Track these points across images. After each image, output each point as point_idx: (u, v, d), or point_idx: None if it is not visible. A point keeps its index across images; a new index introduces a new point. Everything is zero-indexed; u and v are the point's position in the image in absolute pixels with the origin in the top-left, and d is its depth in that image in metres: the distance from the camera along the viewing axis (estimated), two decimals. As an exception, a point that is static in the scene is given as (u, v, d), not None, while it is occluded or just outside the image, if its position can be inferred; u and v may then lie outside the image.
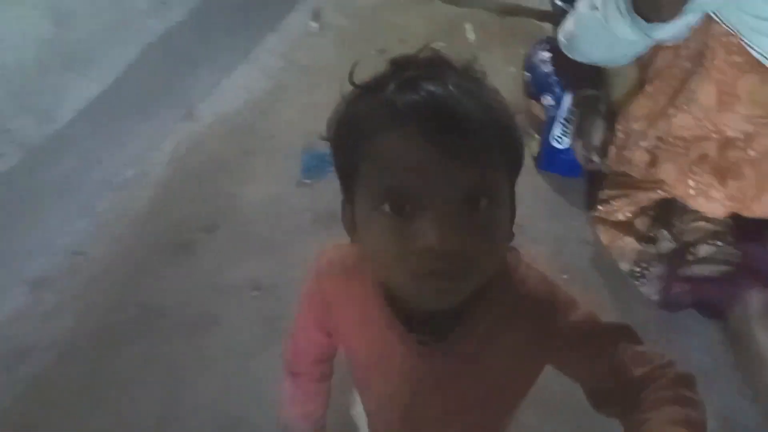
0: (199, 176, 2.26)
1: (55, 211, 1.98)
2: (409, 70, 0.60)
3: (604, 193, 1.93)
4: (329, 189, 2.10)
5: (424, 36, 2.89)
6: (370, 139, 0.58)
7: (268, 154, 2.34)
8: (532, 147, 2.16)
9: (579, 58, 1.58)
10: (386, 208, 0.56)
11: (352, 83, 0.64)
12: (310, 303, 0.84)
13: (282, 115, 2.53)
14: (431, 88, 0.57)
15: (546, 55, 2.02)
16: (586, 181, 2.08)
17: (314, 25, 3.01)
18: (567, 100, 1.96)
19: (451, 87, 0.57)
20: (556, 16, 1.99)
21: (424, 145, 0.54)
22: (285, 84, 2.70)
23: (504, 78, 2.36)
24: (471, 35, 2.89)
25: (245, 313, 1.82)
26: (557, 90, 1.97)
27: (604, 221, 1.91)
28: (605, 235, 1.91)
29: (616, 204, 1.89)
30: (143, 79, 2.22)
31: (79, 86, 1.96)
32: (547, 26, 2.61)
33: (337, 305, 0.78)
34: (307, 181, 2.21)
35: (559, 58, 1.93)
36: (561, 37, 1.60)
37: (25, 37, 1.78)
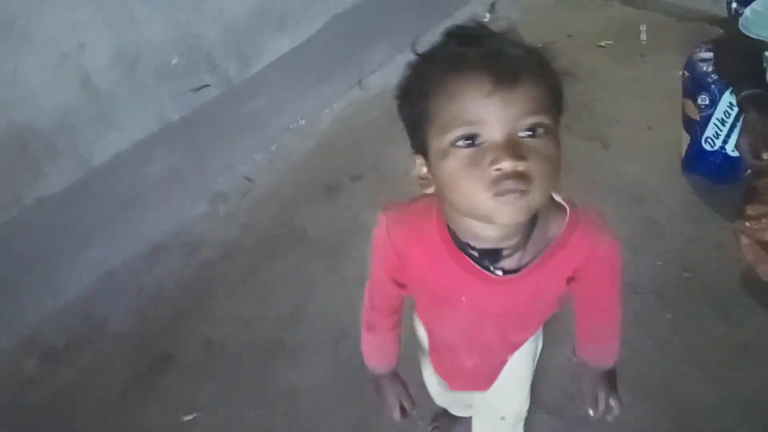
0: (356, 135, 2.56)
1: (240, 142, 2.40)
2: (462, 34, 0.70)
3: (754, 209, 1.84)
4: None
5: (594, 34, 2.92)
6: (444, 86, 0.66)
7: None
8: (681, 146, 2.12)
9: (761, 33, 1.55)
10: (462, 142, 0.65)
11: (414, 51, 0.73)
12: (384, 257, 0.89)
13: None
14: (488, 41, 0.68)
15: (707, 54, 1.96)
16: (735, 189, 1.99)
17: (488, 15, 3.17)
18: (724, 101, 1.90)
19: (503, 41, 0.69)
20: (731, 22, 1.93)
21: (490, 83, 0.63)
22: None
23: (670, 81, 2.32)
24: (644, 36, 2.85)
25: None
26: (714, 90, 1.91)
27: (749, 237, 1.83)
28: (750, 252, 1.83)
29: (765, 222, 1.80)
30: (327, 45, 2.57)
31: (276, 42, 2.35)
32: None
33: (407, 254, 0.85)
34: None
35: (722, 57, 1.89)
36: (747, 12, 1.58)
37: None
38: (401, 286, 0.92)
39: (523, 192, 0.65)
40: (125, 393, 1.78)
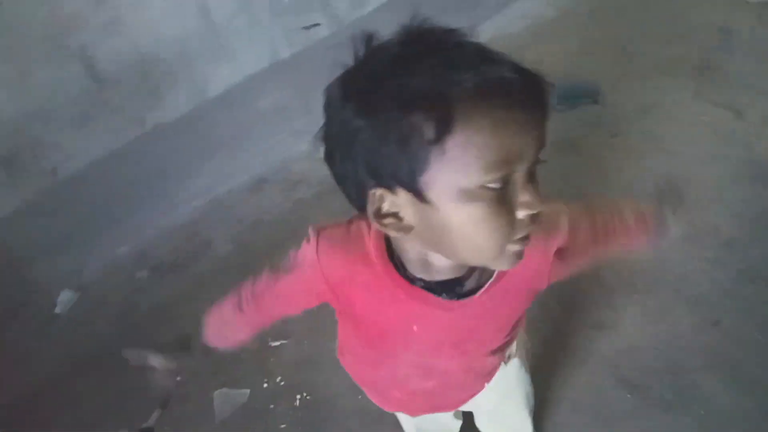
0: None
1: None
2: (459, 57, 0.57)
3: None
4: (576, 122, 2.19)
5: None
6: (469, 123, 0.54)
7: (532, 76, 2.45)
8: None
9: None
10: (496, 183, 0.56)
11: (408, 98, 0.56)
12: (308, 282, 0.78)
13: (556, 44, 2.59)
14: (507, 66, 0.57)
15: None
16: None
17: None
18: None
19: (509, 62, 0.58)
20: None
21: (526, 113, 0.56)
22: (570, 15, 2.73)
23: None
24: None
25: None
26: None
27: None
28: None
29: None
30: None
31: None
32: None
33: (344, 289, 0.76)
34: (559, 108, 2.27)
35: None
36: None
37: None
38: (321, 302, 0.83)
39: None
40: (221, 311, 1.91)
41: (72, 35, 1.69)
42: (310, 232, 0.75)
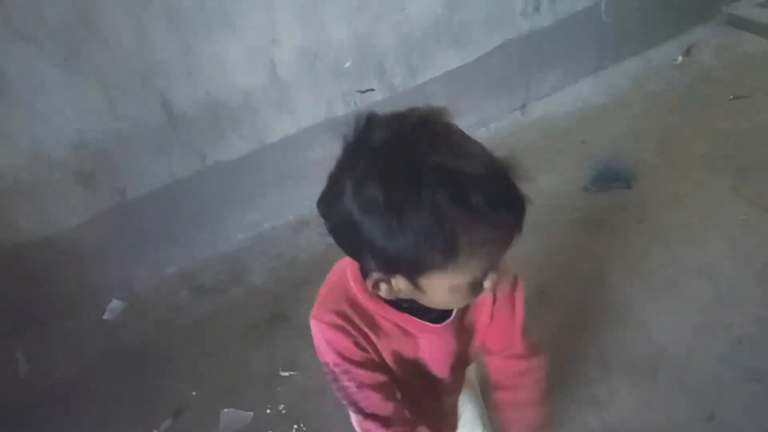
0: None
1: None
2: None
3: None
4: (606, 203, 2.25)
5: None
6: (468, 258, 0.67)
7: (570, 156, 2.54)
8: None
9: None
10: (483, 282, 0.74)
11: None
12: (344, 349, 0.86)
13: (602, 128, 2.67)
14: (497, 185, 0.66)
15: None
16: None
17: (680, 58, 3.00)
18: None
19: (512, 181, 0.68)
20: None
21: (511, 236, 0.70)
22: (623, 104, 2.81)
23: None
24: None
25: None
26: None
27: None
28: None
29: None
30: (495, 67, 2.66)
31: (445, 57, 2.51)
32: None
33: (359, 341, 0.87)
34: (592, 188, 2.34)
35: None
36: None
37: (421, 15, 2.37)
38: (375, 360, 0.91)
39: None
40: (245, 335, 2.08)
41: (156, 77, 1.97)
42: (312, 325, 0.87)
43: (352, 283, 0.84)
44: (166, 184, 2.19)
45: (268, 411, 1.82)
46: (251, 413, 1.82)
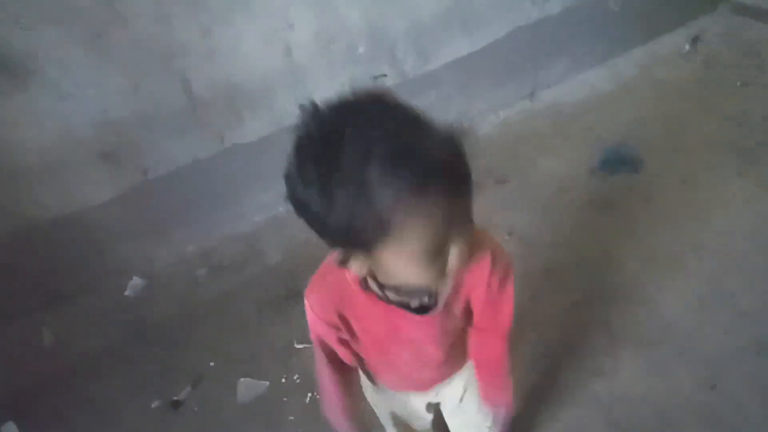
0: (514, 141, 2.67)
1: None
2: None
3: None
4: (614, 185, 2.30)
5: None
6: (401, 234, 0.68)
7: (578, 141, 2.59)
8: None
9: None
10: (419, 260, 0.72)
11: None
12: (323, 334, 0.97)
13: (610, 114, 2.72)
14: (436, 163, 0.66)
15: None
16: None
17: (687, 47, 3.03)
18: None
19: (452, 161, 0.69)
20: None
21: (438, 200, 0.68)
22: (630, 91, 2.86)
23: None
24: None
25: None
26: None
27: None
28: None
29: None
30: (505, 54, 2.71)
31: (456, 44, 2.56)
32: None
33: (342, 320, 0.93)
34: (600, 172, 2.38)
35: None
36: None
37: (433, 1, 2.43)
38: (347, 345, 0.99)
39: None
40: (261, 310, 2.14)
41: (177, 59, 2.04)
42: (306, 299, 0.93)
43: (346, 272, 0.86)
44: (186, 164, 2.27)
45: (284, 380, 1.89)
46: (267, 382, 1.89)
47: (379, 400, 1.25)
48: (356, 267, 0.77)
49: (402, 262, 0.73)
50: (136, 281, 2.34)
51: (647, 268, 1.99)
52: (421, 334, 0.97)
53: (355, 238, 0.69)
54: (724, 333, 1.75)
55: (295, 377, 1.90)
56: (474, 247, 0.83)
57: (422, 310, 0.92)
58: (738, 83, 2.74)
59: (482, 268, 0.91)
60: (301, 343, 1.99)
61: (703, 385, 1.64)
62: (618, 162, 2.37)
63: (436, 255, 0.73)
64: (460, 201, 0.71)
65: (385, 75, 2.45)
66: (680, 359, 1.71)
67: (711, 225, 2.09)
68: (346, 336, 0.96)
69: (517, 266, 2.18)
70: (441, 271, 0.76)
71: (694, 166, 2.34)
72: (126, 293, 2.32)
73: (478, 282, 0.92)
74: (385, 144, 0.64)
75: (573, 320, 1.89)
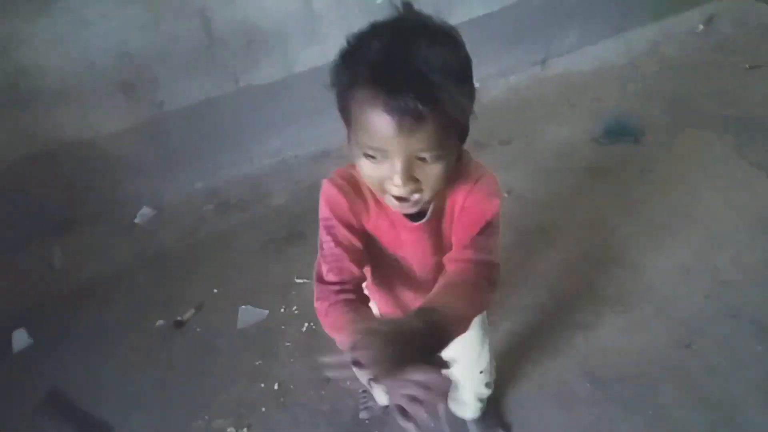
0: (521, 106, 2.73)
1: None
2: (386, 40, 0.79)
3: None
4: (614, 154, 2.36)
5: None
6: (363, 115, 0.78)
7: (584, 111, 2.65)
8: None
9: None
10: (368, 154, 0.82)
11: (348, 42, 0.84)
12: (341, 216, 0.99)
13: (617, 87, 2.77)
14: (412, 59, 0.75)
15: None
16: None
17: (701, 27, 3.06)
18: None
19: (411, 80, 0.75)
20: None
21: (396, 128, 0.77)
22: (639, 66, 2.90)
23: None
24: None
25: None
26: None
27: None
28: None
29: None
30: (520, 19, 2.74)
31: (472, 3, 2.60)
32: None
33: (358, 213, 0.99)
34: (602, 141, 2.45)
35: None
36: None
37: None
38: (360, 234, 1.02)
39: (412, 204, 0.88)
40: (264, 248, 2.23)
41: (198, -3, 2.10)
42: (328, 183, 0.99)
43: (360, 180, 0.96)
44: (199, 101, 2.33)
45: (282, 311, 1.99)
46: (266, 311, 1.99)
47: None
48: (350, 153, 0.88)
49: (360, 151, 0.83)
50: (146, 211, 2.43)
51: (637, 235, 2.07)
52: (415, 239, 1.04)
53: (340, 108, 0.85)
54: (703, 297, 1.85)
55: (293, 308, 1.99)
56: (463, 173, 0.95)
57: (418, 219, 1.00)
58: (746, 66, 2.78)
59: (466, 184, 0.98)
60: (301, 278, 2.08)
61: (678, 344, 1.74)
62: (620, 132, 2.43)
63: (382, 158, 0.82)
64: (420, 121, 0.77)
65: (400, 29, 2.48)
66: (658, 319, 1.81)
67: (703, 199, 2.17)
68: (360, 216, 1.00)
69: (513, 223, 2.28)
70: (408, 178, 0.83)
71: (693, 142, 2.40)
72: (136, 221, 2.41)
73: (459, 197, 0.99)
74: (386, 52, 0.78)
75: (561, 277, 1.98)
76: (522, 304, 1.90)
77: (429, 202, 0.95)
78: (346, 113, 0.83)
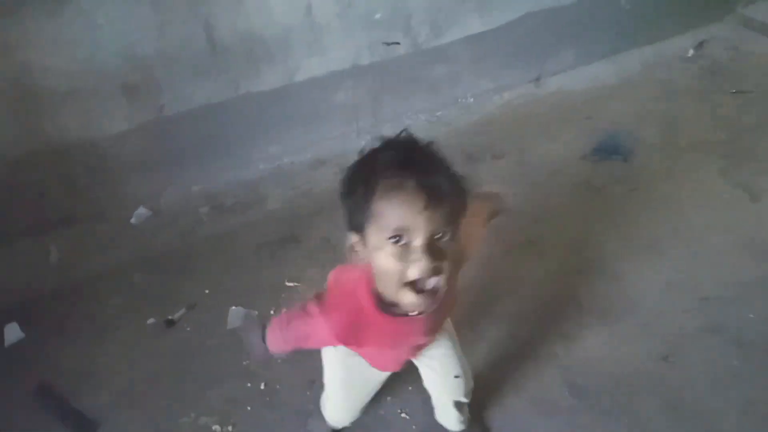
0: (515, 123, 2.80)
1: (411, 101, 2.79)
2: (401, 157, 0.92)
3: None
4: (603, 172, 2.42)
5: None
6: (388, 200, 0.90)
7: (576, 128, 2.71)
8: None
9: None
10: (394, 240, 0.91)
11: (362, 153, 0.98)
12: (323, 341, 1.19)
13: (610, 106, 2.84)
14: (421, 165, 0.91)
15: None
16: None
17: (692, 51, 3.14)
18: None
19: (431, 164, 0.93)
20: None
21: (423, 205, 0.88)
22: (632, 87, 2.97)
23: None
24: None
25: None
26: None
27: None
28: None
29: None
30: (516, 37, 2.82)
31: (469, 21, 2.67)
32: None
33: (353, 337, 1.11)
34: (592, 158, 2.51)
35: None
36: None
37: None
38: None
39: (431, 290, 0.96)
40: (258, 251, 2.27)
41: (204, 4, 2.15)
42: (316, 310, 1.07)
43: (366, 296, 1.05)
44: (199, 106, 2.38)
45: (272, 312, 2.02)
46: (256, 312, 2.02)
47: (339, 360, 1.37)
48: (360, 248, 0.99)
49: (377, 244, 0.93)
50: (142, 211, 2.47)
51: (622, 250, 2.12)
52: (420, 330, 1.14)
53: (355, 214, 0.95)
54: (684, 313, 1.89)
55: (283, 311, 2.02)
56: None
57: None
58: (733, 91, 2.85)
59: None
60: (292, 281, 2.12)
61: (657, 357, 1.78)
62: (610, 150, 2.49)
63: (404, 242, 0.91)
64: (425, 210, 0.89)
65: (398, 43, 2.55)
66: (640, 332, 1.85)
67: (689, 219, 2.22)
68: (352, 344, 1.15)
69: (501, 235, 2.32)
70: (431, 253, 0.91)
71: (681, 163, 2.47)
72: (132, 221, 2.45)
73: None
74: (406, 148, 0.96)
75: (546, 288, 2.02)
76: (507, 313, 1.94)
77: (443, 293, 1.01)
78: (363, 212, 0.92)
